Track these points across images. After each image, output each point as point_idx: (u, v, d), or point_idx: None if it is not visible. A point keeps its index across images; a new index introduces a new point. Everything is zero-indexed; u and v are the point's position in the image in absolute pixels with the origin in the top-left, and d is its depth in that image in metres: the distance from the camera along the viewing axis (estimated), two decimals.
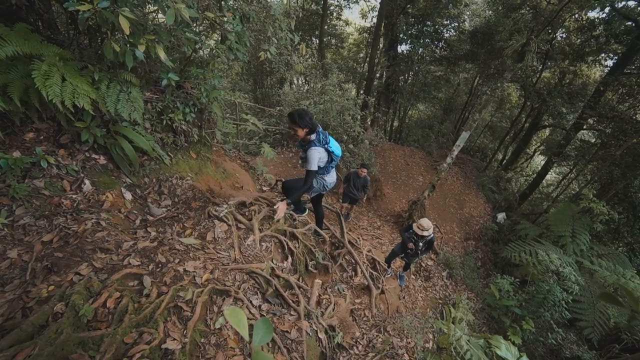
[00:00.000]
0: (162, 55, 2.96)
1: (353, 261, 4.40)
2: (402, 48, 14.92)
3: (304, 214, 3.93)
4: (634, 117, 9.82)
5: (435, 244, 8.68)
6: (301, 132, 2.83)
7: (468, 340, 1.88)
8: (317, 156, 2.83)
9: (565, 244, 8.32)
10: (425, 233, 4.41)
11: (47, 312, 1.79)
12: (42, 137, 3.08)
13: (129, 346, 1.85)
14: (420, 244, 4.59)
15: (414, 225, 4.55)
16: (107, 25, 2.57)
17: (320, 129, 2.98)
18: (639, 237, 9.42)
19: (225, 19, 3.67)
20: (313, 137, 2.89)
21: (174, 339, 1.99)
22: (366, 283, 4.19)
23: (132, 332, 1.92)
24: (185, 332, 2.07)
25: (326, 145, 2.96)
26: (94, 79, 2.98)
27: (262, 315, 2.49)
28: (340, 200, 6.78)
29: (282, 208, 2.76)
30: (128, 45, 2.88)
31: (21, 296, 2.02)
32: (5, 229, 2.33)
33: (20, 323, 1.75)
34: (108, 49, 2.57)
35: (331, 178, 3.36)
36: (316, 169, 2.86)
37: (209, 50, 4.10)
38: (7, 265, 2.18)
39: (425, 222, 4.50)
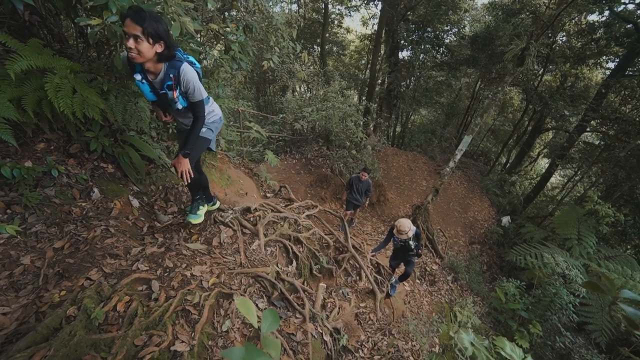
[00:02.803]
0: None
1: (357, 266, 4.42)
2: (403, 54, 15.09)
3: (214, 204, 3.23)
4: (637, 119, 9.80)
5: (440, 248, 8.67)
6: (149, 50, 1.88)
7: (472, 342, 1.90)
8: (196, 76, 2.18)
9: (571, 246, 8.26)
10: (408, 235, 4.10)
11: (61, 315, 1.85)
12: (52, 147, 3.17)
13: (139, 348, 1.90)
14: (411, 243, 4.25)
15: (394, 232, 4.25)
16: (116, 38, 2.67)
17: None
18: None
19: (229, 29, 3.79)
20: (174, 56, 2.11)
21: (183, 342, 2.04)
22: (371, 287, 4.21)
23: (142, 335, 1.96)
24: (193, 334, 2.11)
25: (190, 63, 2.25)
26: (103, 90, 3.08)
27: None
28: (344, 207, 6.82)
29: (183, 162, 2.32)
30: None
31: (34, 301, 2.08)
32: (18, 236, 2.40)
33: (34, 327, 1.81)
34: (118, 60, 2.67)
35: (218, 110, 2.70)
36: (206, 94, 2.32)
37: (212, 60, 4.21)
38: (20, 272, 2.25)
39: (402, 224, 4.14)
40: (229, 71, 4.54)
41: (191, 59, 2.34)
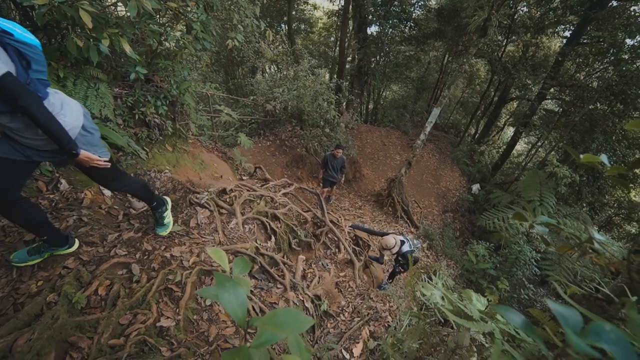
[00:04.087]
0: (128, 48, 2.96)
1: (336, 239, 4.60)
2: (372, 29, 14.99)
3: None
4: (590, 85, 10.43)
5: (415, 218, 9.07)
6: None
7: (442, 296, 2.11)
8: None
9: (534, 207, 8.90)
10: (392, 251, 4.28)
11: (40, 302, 1.87)
12: None
13: (125, 326, 1.96)
14: (400, 258, 4.39)
15: (382, 251, 4.39)
16: (67, 20, 2.55)
17: None
18: (599, 196, 10.19)
19: (189, 8, 3.66)
20: None
21: (168, 317, 2.11)
22: (349, 258, 4.41)
23: (127, 314, 2.02)
24: (177, 310, 2.19)
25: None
26: (59, 77, 2.95)
27: (250, 292, 2.64)
28: (321, 185, 6.94)
29: (80, 159, 1.80)
30: (91, 40, 2.85)
31: (10, 293, 2.06)
32: None
33: (14, 316, 1.82)
34: (71, 44, 2.56)
35: (76, 108, 1.80)
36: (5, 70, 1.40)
37: (175, 41, 4.07)
38: None
39: (386, 242, 4.31)
40: (193, 53, 4.42)
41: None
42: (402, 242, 4.42)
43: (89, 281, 2.15)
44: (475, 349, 1.52)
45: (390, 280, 4.82)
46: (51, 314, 1.78)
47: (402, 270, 4.61)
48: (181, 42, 3.91)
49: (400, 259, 4.43)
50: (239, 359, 0.47)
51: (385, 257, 5.28)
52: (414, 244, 4.59)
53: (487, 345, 1.23)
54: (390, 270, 5.19)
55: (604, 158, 0.67)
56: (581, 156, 0.70)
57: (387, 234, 4.61)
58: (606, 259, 0.74)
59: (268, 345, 0.56)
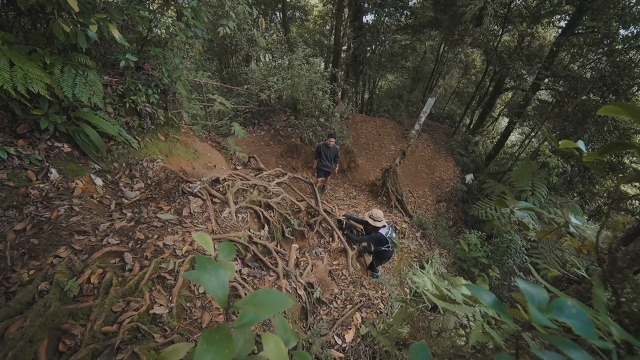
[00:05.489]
0: (117, 34, 2.90)
1: (329, 228, 4.64)
2: (367, 18, 14.79)
3: None
4: (584, 75, 10.46)
5: (409, 207, 9.14)
6: None
7: (432, 283, 2.14)
8: None
9: (526, 197, 9.02)
10: (379, 224, 4.39)
11: (32, 290, 1.87)
12: None
13: (118, 314, 1.98)
14: (393, 234, 4.55)
15: (368, 219, 4.49)
16: (52, 4, 2.49)
17: None
18: (589, 186, 10.34)
19: None
20: None
21: (161, 305, 2.14)
22: (343, 246, 4.45)
23: (120, 302, 2.04)
24: (170, 298, 2.21)
25: None
26: (46, 64, 2.88)
27: (243, 279, 2.67)
28: (315, 175, 6.94)
29: None
30: (78, 25, 2.79)
31: (2, 282, 2.07)
32: None
33: (6, 304, 1.83)
34: (58, 29, 2.50)
35: None
36: None
37: (165, 28, 3.99)
38: None
39: (376, 212, 4.46)
40: (184, 40, 4.34)
41: None
42: (384, 226, 4.55)
43: (81, 270, 2.15)
44: (463, 332, 1.57)
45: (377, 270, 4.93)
46: (43, 302, 1.79)
47: (350, 229, 4.82)
48: (172, 29, 3.83)
49: (371, 233, 4.54)
50: (219, 337, 0.48)
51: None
52: (392, 237, 4.59)
53: (472, 325, 1.26)
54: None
55: (580, 144, 0.69)
56: (560, 142, 0.71)
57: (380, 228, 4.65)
58: (579, 241, 0.76)
59: (251, 326, 0.58)
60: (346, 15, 14.24)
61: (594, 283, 0.56)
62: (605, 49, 9.46)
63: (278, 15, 17.37)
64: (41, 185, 2.84)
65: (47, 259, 2.21)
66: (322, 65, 17.32)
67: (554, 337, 0.43)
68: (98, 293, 2.05)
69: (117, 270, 2.26)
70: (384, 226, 4.53)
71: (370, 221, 4.42)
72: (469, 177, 11.79)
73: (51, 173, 3.01)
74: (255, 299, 0.55)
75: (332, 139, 6.24)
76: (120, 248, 2.42)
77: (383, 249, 4.43)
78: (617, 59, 8.86)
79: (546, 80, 11.87)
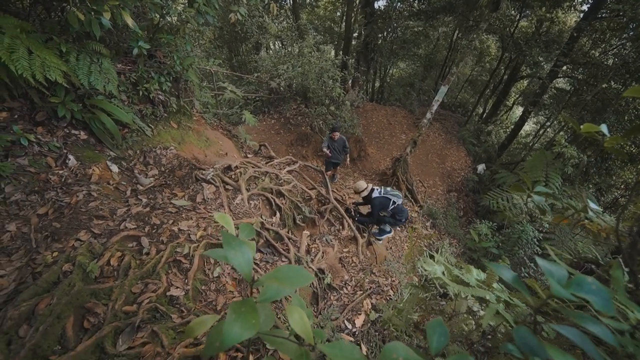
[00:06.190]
0: (130, 21, 2.92)
1: (340, 216, 4.66)
2: (379, 4, 14.56)
3: None
4: (605, 62, 10.06)
5: (420, 197, 9.10)
6: None
7: (443, 272, 2.15)
8: None
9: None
10: (364, 194, 4.60)
11: (57, 271, 1.96)
12: (16, 116, 3.07)
13: (137, 295, 2.06)
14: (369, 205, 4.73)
15: (354, 195, 4.68)
16: None
17: None
18: (606, 177, 10.07)
19: None
20: None
21: (177, 287, 2.21)
22: (353, 234, 4.49)
23: (138, 284, 2.12)
24: (186, 281, 2.28)
25: None
26: (62, 51, 2.93)
27: (256, 264, 2.73)
28: (325, 167, 6.87)
29: None
30: (92, 13, 2.82)
31: (28, 263, 2.17)
32: None
33: (34, 283, 1.92)
34: (72, 17, 2.53)
35: None
36: None
37: (177, 15, 4.00)
38: (8, 238, 2.30)
39: (357, 185, 4.69)
40: (195, 27, 4.34)
41: None
42: (372, 190, 4.69)
43: (101, 252, 2.24)
44: (473, 319, 1.59)
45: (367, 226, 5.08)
46: (68, 281, 1.87)
47: (359, 214, 4.92)
48: (183, 16, 3.84)
49: (368, 203, 4.74)
50: (245, 309, 0.51)
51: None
52: (388, 192, 4.69)
53: (482, 312, 1.28)
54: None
55: (603, 127, 0.68)
56: (581, 126, 0.71)
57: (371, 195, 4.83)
58: (598, 225, 0.76)
59: (272, 300, 0.60)
60: (357, 1, 13.94)
61: (613, 266, 0.56)
62: (631, 33, 9.04)
63: (288, 1, 17.12)
64: (60, 172, 2.93)
65: (69, 241, 2.30)
66: (333, 52, 17.07)
67: (573, 312, 0.44)
68: (118, 275, 2.13)
69: (135, 254, 2.34)
70: (373, 189, 4.68)
71: (358, 197, 4.54)
72: (481, 167, 11.62)
73: (69, 160, 3.09)
74: (278, 274, 0.57)
75: (336, 133, 6.10)
76: (137, 232, 2.49)
77: (391, 208, 4.59)
78: None
79: (565, 67, 11.46)
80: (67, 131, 3.27)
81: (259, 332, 0.64)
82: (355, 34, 14.97)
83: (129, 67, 3.77)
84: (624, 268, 0.67)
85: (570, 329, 0.45)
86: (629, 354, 0.49)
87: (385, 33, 14.69)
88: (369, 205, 4.78)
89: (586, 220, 0.80)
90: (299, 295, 0.65)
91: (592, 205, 0.80)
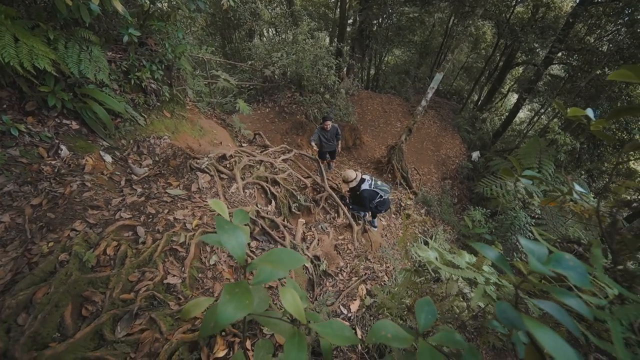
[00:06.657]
0: (119, 7, 2.86)
1: (335, 204, 4.70)
2: None
3: None
4: (600, 49, 10.06)
5: (415, 184, 9.17)
6: None
7: (436, 257, 2.18)
8: None
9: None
10: (353, 184, 4.51)
11: (53, 261, 1.97)
12: (5, 106, 3.02)
13: (134, 283, 2.08)
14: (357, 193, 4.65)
15: (342, 184, 4.60)
16: None
17: None
18: (597, 163, 10.21)
19: None
20: None
21: (174, 275, 2.24)
22: (348, 222, 4.53)
23: (135, 272, 2.14)
24: (183, 269, 2.31)
25: None
26: (49, 39, 2.86)
27: (251, 252, 2.77)
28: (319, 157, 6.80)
29: None
30: None
31: (24, 253, 2.17)
32: None
33: (30, 273, 1.93)
34: (60, 3, 2.47)
35: None
36: None
37: (167, 1, 3.91)
38: (2, 229, 2.29)
39: (346, 174, 4.56)
40: (187, 13, 4.25)
41: None
42: (362, 180, 4.61)
43: (97, 242, 2.24)
44: (464, 301, 1.63)
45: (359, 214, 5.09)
46: (64, 271, 1.88)
47: (350, 206, 4.90)
48: (174, 2, 3.75)
49: (357, 193, 4.65)
50: (239, 290, 0.52)
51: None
52: (378, 185, 4.68)
53: (473, 294, 1.32)
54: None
55: (589, 112, 0.70)
56: (568, 110, 0.72)
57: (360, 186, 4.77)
58: (582, 206, 0.79)
59: (266, 282, 0.62)
60: None
61: (592, 243, 0.58)
62: (626, 19, 9.01)
63: None
64: (53, 162, 2.90)
65: (64, 232, 2.30)
66: (327, 39, 16.85)
67: (550, 286, 0.46)
68: (114, 264, 2.15)
69: (131, 243, 2.35)
70: (363, 180, 4.62)
71: (346, 187, 4.52)
72: (475, 155, 11.69)
73: (61, 150, 3.06)
74: (272, 256, 0.59)
75: (328, 122, 5.90)
76: (132, 222, 2.50)
77: (377, 201, 4.60)
78: (638, 30, 8.46)
79: (560, 54, 11.44)
80: (59, 121, 3.23)
81: (253, 314, 0.66)
82: (350, 21, 14.75)
83: (119, 55, 3.70)
84: (604, 247, 0.70)
85: (549, 304, 0.48)
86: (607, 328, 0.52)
87: (380, 19, 14.49)
88: (354, 196, 4.79)
89: (571, 202, 0.83)
90: (294, 280, 0.67)
91: (577, 187, 0.83)
